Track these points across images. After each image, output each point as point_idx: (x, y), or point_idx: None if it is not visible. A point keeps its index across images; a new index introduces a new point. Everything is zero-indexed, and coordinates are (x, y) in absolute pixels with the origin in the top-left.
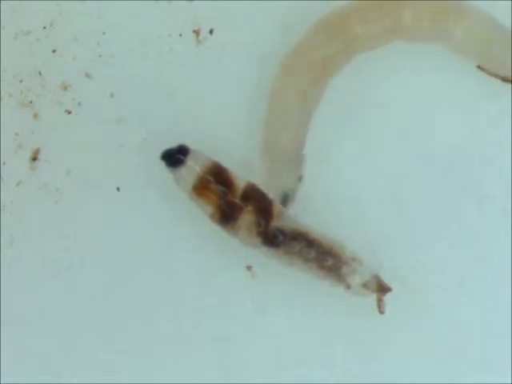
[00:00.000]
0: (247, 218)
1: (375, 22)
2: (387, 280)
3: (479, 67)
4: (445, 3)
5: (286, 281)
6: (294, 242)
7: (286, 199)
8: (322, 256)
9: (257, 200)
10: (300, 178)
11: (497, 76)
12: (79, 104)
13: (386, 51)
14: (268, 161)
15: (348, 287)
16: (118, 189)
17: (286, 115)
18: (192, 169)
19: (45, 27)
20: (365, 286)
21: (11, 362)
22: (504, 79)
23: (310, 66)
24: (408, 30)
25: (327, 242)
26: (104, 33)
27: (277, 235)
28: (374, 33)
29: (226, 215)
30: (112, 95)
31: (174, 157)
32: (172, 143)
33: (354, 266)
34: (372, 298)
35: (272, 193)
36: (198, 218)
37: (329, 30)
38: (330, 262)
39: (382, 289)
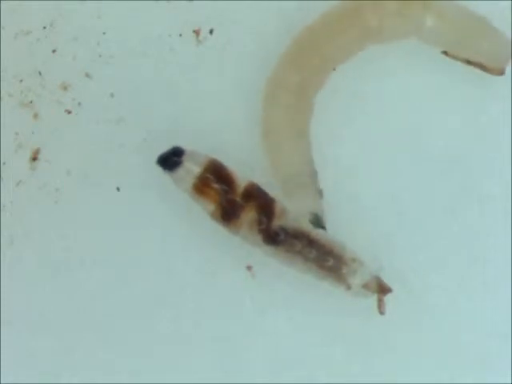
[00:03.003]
0: (249, 215)
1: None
2: (387, 280)
3: (445, 53)
4: None
5: (285, 281)
6: (295, 240)
7: (317, 220)
8: (322, 256)
9: (258, 198)
10: (321, 193)
11: (465, 61)
12: (79, 104)
13: (386, 51)
14: (282, 183)
15: (348, 288)
16: (118, 189)
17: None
18: (190, 169)
19: (45, 27)
20: (365, 286)
21: (11, 362)
22: (474, 64)
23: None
24: (376, 32)
25: (328, 243)
26: (104, 33)
27: (278, 233)
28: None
29: (228, 213)
30: (112, 95)
31: (170, 160)
32: (172, 143)
33: (354, 267)
34: (372, 299)
35: (300, 215)
36: (198, 217)
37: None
38: (330, 262)
39: (383, 289)
